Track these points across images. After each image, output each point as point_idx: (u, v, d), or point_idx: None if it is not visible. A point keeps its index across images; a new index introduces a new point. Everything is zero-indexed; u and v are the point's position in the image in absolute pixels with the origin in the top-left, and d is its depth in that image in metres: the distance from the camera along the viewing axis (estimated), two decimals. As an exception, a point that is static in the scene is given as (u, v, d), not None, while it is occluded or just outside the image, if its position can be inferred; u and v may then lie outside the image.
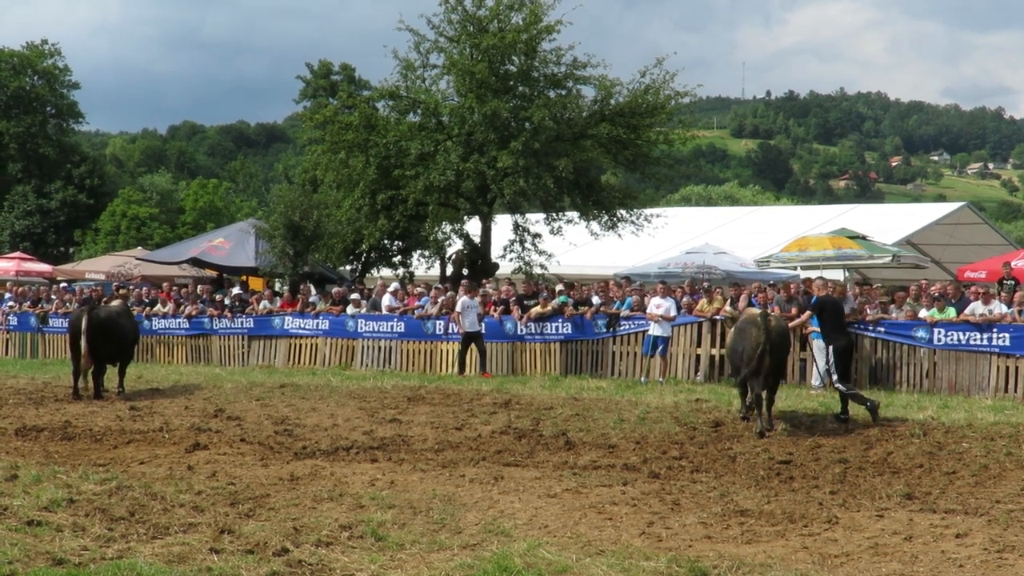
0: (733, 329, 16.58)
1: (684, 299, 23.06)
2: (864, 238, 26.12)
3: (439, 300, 25.57)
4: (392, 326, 25.84)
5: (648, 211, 30.91)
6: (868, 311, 21.33)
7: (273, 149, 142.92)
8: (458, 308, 24.12)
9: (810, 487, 11.25)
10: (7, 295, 32.62)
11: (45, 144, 65.13)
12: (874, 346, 20.82)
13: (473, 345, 24.04)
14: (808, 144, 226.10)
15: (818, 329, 18.04)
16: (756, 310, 17.02)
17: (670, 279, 25.96)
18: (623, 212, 29.91)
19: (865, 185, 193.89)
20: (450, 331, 25.02)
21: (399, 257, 32.12)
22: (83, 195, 63.91)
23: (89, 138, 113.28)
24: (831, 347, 16.36)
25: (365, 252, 31.59)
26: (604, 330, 23.34)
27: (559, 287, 25.63)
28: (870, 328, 20.82)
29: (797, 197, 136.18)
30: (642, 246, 32.18)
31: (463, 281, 26.72)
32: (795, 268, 26.72)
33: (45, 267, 42.51)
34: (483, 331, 24.24)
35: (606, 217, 29.81)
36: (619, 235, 30.19)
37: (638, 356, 22.74)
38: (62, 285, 34.56)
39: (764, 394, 15.37)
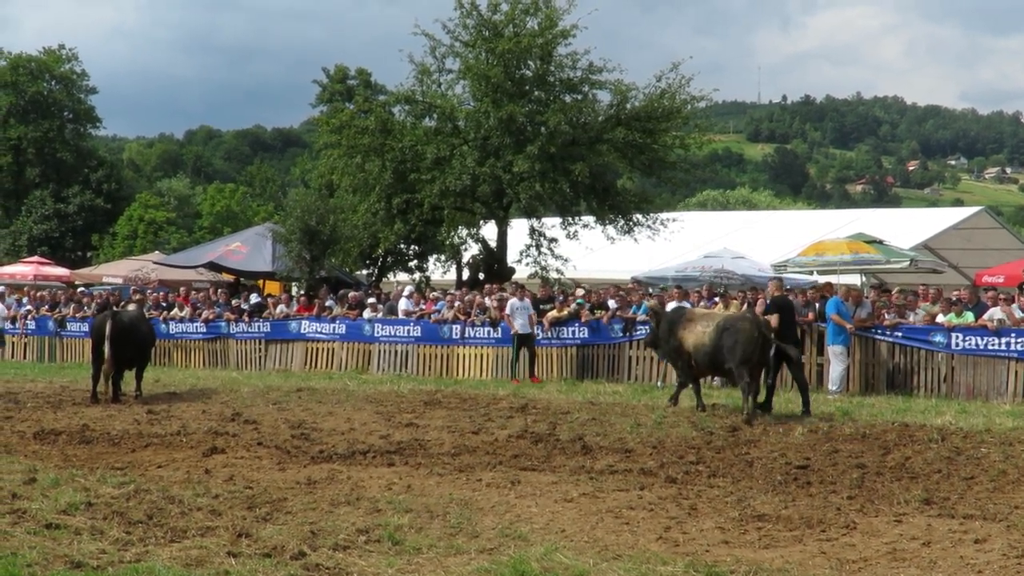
0: (714, 328, 17.42)
1: (701, 304, 23.02)
2: (881, 242, 26.00)
3: (455, 304, 25.60)
4: (408, 330, 25.88)
5: (664, 215, 30.92)
6: (886, 316, 21.27)
7: (289, 153, 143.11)
8: (508, 310, 23.94)
9: (828, 492, 11.19)
10: (24, 299, 32.80)
11: (63, 149, 65.41)
12: (891, 351, 20.74)
13: (524, 348, 23.89)
14: (824, 148, 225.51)
15: (847, 325, 20.14)
16: (711, 311, 19.47)
17: (687, 283, 25.93)
18: (639, 216, 29.93)
19: (882, 189, 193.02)
20: (466, 335, 25.07)
21: (415, 261, 32.17)
22: (100, 200, 64.21)
23: (106, 143, 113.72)
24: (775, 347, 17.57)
25: (381, 256, 31.66)
26: (620, 334, 23.32)
27: (579, 291, 25.64)
28: (887, 333, 20.75)
29: (813, 201, 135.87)
30: (658, 250, 32.17)
31: (509, 283, 26.65)
32: (812, 273, 26.63)
33: (63, 271, 42.67)
34: (536, 334, 24.11)
35: (622, 221, 29.82)
36: (635, 239, 30.20)
37: (655, 360, 22.69)
38: (80, 289, 34.69)
39: (750, 384, 16.77)
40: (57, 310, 31.24)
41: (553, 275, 29.66)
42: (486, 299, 25.69)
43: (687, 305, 21.98)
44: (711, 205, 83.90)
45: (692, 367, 17.99)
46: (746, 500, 10.74)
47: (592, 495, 10.96)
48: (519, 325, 23.69)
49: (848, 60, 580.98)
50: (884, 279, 30.86)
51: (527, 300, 24.24)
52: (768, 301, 19.46)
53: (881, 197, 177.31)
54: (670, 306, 21.35)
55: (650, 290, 26.59)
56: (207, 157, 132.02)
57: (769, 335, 17.40)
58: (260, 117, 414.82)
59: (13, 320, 31.42)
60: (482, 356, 25.08)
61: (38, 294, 33.30)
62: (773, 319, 18.23)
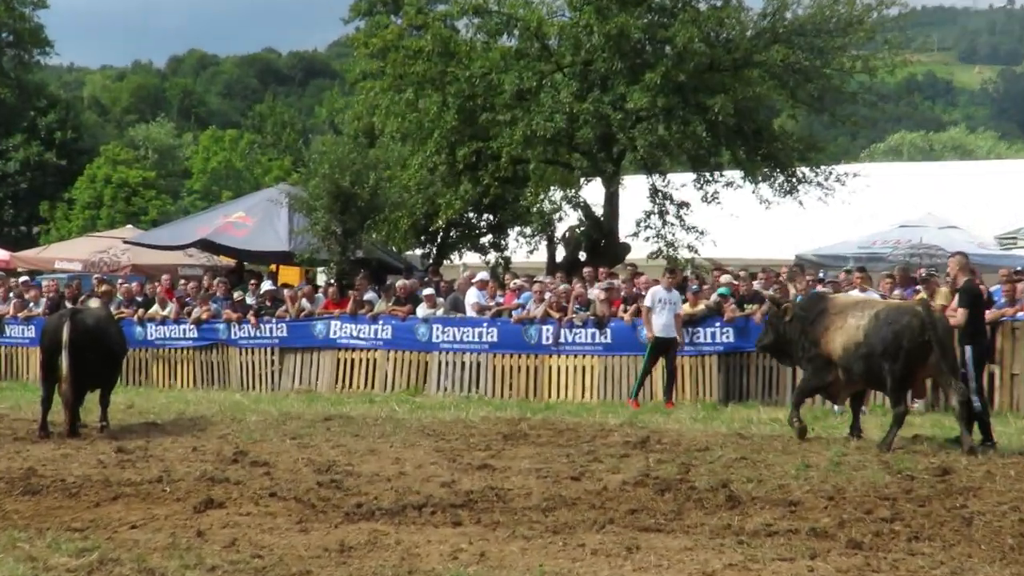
0: (871, 319, 17.61)
1: (895, 292, 22.70)
2: None
3: (546, 297, 25.54)
4: (481, 333, 25.94)
5: (841, 168, 30.59)
6: None
7: (312, 88, 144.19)
8: (648, 302, 23.76)
9: (1083, 563, 10.96)
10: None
11: (0, 85, 66.03)
12: None
13: (662, 359, 23.83)
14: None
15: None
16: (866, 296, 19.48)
17: (874, 265, 25.63)
18: (805, 170, 29.67)
19: None
20: (563, 340, 25.01)
21: (489, 237, 32.17)
22: (52, 154, 64.76)
23: (60, 75, 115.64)
24: (969, 348, 17.74)
25: (442, 230, 31.69)
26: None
27: (723, 277, 25.40)
28: None
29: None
30: (833, 218, 31.86)
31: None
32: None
33: (1, 254, 43.08)
34: (682, 340, 23.93)
35: (781, 177, 29.56)
36: (799, 202, 29.95)
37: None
38: (23, 279, 34.81)
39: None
40: (-7, 309, 31.44)
41: (684, 254, 29.50)
42: (590, 289, 25.59)
43: (869, 293, 21.78)
44: (908, 153, 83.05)
45: (839, 380, 18.11)
46: (963, 574, 10.54)
47: (742, 567, 10.83)
48: (660, 326, 23.53)
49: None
50: None
51: (676, 291, 24.08)
52: (957, 288, 19.11)
53: None
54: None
55: (821, 275, 26.30)
56: (199, 94, 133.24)
57: (949, 339, 17.39)
58: (271, 38, 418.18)
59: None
60: (584, 369, 25.05)
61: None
62: (960, 314, 18.02)
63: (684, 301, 24.33)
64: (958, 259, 19.26)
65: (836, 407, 21.70)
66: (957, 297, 18.65)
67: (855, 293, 21.55)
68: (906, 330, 16.98)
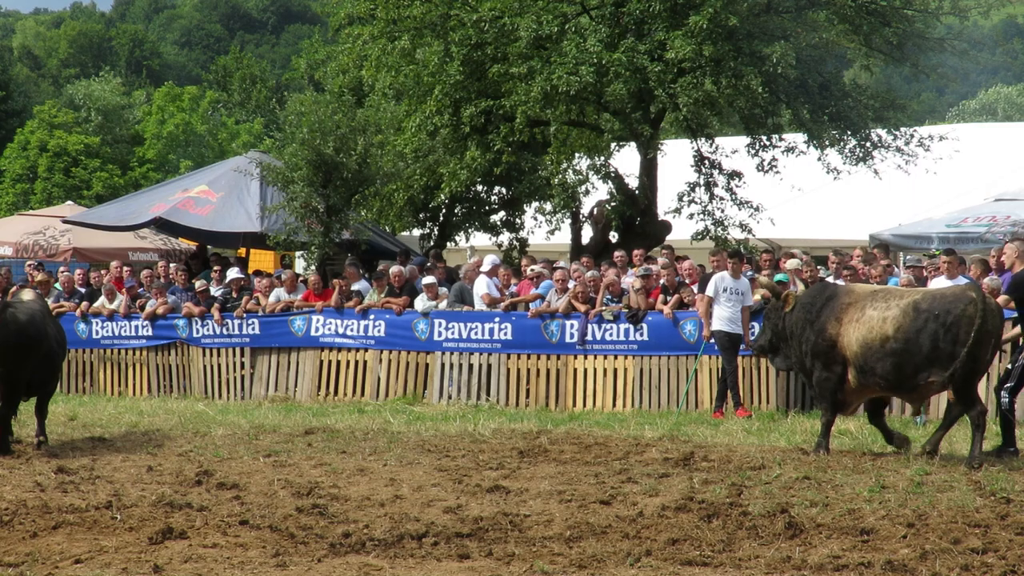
0: (902, 311, 17.73)
1: (987, 279, 22.72)
2: None
3: (570, 285, 25.57)
4: (492, 331, 26.02)
5: (924, 130, 30.56)
6: None
7: (288, 35, 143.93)
8: (710, 291, 23.84)
9: None
10: None
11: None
12: None
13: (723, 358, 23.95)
14: None
15: None
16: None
17: (964, 246, 25.62)
18: (881, 132, 29.60)
19: None
20: (590, 338, 25.06)
21: (501, 214, 32.23)
22: (-25, 116, 65.10)
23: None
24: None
25: (445, 206, 31.75)
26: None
27: (790, 262, 25.33)
28: None
29: None
30: (915, 190, 31.87)
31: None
32: None
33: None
34: (748, 339, 23.89)
35: (853, 141, 29.50)
36: (875, 171, 29.94)
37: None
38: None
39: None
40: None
41: (735, 234, 29.51)
42: (623, 276, 25.64)
43: (958, 280, 21.79)
44: (1005, 111, 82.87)
45: (849, 384, 18.41)
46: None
47: (804, 607, 10.91)
48: (725, 319, 23.64)
49: None
50: None
51: (745, 279, 24.08)
52: (1011, 275, 19.18)
53: None
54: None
55: (904, 258, 26.34)
56: (152, 43, 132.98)
57: (1000, 328, 17.73)
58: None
59: None
60: (616, 372, 25.16)
61: None
62: (1001, 301, 18.59)
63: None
64: (1017, 244, 18.93)
65: (918, 418, 21.81)
66: (1010, 289, 18.81)
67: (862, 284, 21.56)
68: (966, 318, 17.09)
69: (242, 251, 34.87)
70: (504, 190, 31.72)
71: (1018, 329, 19.03)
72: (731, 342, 23.61)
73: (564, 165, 30.14)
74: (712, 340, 23.76)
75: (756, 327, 23.14)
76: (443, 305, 26.60)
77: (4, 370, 19.50)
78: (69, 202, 49.58)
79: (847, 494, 15.47)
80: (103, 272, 31.04)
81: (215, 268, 30.50)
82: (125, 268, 31.70)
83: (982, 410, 17.35)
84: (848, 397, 18.54)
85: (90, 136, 69.26)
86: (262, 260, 35.06)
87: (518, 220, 32.35)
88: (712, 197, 29.76)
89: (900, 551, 12.79)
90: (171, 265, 31.31)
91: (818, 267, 25.09)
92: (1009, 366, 18.70)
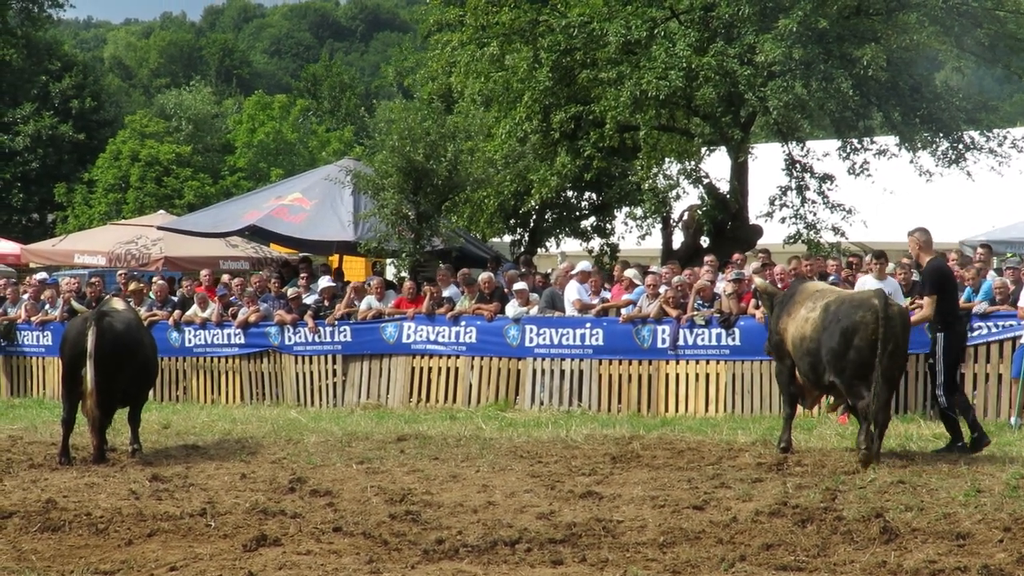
0: (821, 310, 18.17)
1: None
2: None
3: (661, 291, 25.51)
4: (583, 336, 25.98)
5: (1018, 131, 30.36)
6: None
7: (377, 43, 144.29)
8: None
9: None
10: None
11: (5, 45, 66.01)
12: None
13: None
14: None
15: None
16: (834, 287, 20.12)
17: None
18: (973, 134, 29.41)
19: None
20: (679, 343, 24.98)
21: (592, 220, 32.19)
22: (68, 127, 64.88)
23: (77, 32, 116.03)
24: (941, 336, 18.79)
25: (535, 212, 31.75)
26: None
27: (890, 268, 25.11)
28: None
29: None
30: (1008, 192, 31.63)
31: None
32: None
33: (10, 247, 43.40)
34: None
35: (945, 144, 29.33)
36: (967, 173, 29.75)
37: (1005, 381, 22.32)
38: (37, 276, 34.97)
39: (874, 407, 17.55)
40: (1, 311, 31.72)
41: (828, 238, 29.35)
42: (717, 282, 25.55)
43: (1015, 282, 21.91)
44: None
45: (796, 378, 18.98)
46: None
47: (900, 613, 10.84)
48: None
49: None
50: None
51: (892, 279, 23.75)
52: (922, 270, 19.63)
53: None
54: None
55: (999, 263, 26.13)
56: (241, 52, 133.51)
57: (905, 332, 18.05)
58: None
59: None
60: (708, 377, 25.07)
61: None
62: (927, 304, 18.69)
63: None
64: (916, 236, 19.39)
65: (1012, 420, 21.64)
66: (921, 282, 19.14)
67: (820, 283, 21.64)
68: (860, 327, 17.46)
69: (334, 259, 34.95)
70: (594, 195, 31.71)
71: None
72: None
73: (654, 170, 30.07)
74: None
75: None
76: (534, 311, 26.58)
77: (100, 378, 19.48)
78: (161, 211, 49.44)
79: (942, 498, 15.38)
80: (195, 281, 30.88)
81: (302, 276, 30.51)
82: (224, 276, 31.78)
83: (868, 402, 17.41)
84: (800, 391, 19.05)
85: (181, 145, 69.24)
86: (355, 269, 35.09)
87: (609, 225, 32.31)
88: (804, 200, 29.66)
89: (996, 555, 12.69)
90: (263, 273, 31.26)
91: (912, 270, 24.90)
92: (928, 365, 19.51)
